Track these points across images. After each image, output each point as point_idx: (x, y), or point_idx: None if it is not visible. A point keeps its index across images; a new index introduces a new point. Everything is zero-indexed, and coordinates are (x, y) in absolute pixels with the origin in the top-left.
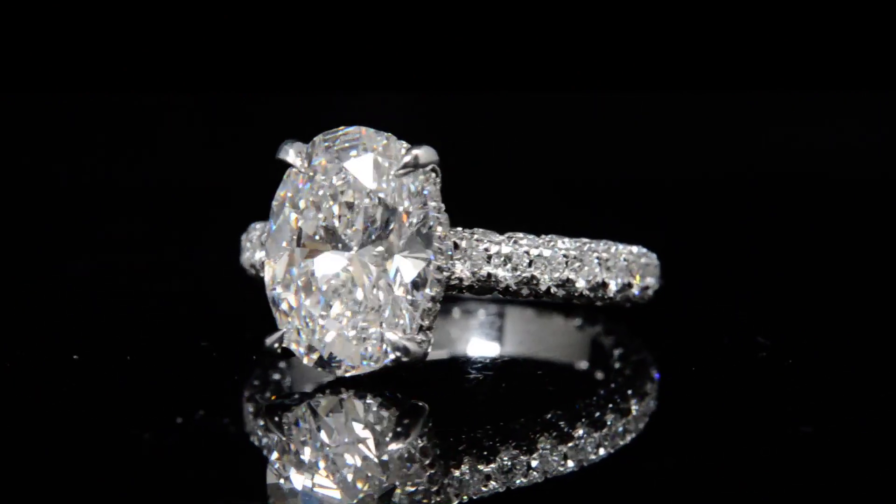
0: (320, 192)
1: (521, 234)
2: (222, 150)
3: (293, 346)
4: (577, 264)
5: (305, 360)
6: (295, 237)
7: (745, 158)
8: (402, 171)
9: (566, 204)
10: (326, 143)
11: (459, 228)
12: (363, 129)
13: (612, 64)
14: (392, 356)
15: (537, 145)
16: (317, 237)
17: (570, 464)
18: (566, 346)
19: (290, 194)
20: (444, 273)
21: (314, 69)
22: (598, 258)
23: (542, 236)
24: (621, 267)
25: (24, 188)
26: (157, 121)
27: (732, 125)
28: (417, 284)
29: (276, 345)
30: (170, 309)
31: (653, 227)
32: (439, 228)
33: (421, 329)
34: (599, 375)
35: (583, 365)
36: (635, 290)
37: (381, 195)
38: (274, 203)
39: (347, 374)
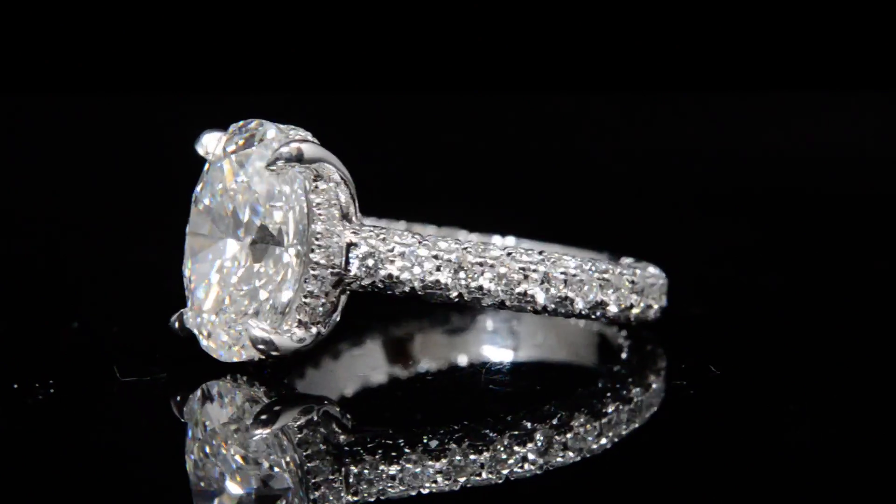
0: (219, 185)
1: (434, 237)
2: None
3: (195, 330)
4: (488, 270)
5: (202, 344)
6: (199, 224)
7: (739, 158)
8: (280, 166)
9: (553, 207)
10: (233, 135)
11: (368, 226)
12: (263, 122)
13: (607, 64)
14: (252, 349)
15: (528, 146)
16: (215, 226)
17: (603, 440)
18: (575, 344)
19: (200, 184)
20: (328, 270)
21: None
22: (522, 268)
23: (470, 238)
24: (558, 279)
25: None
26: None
27: (726, 126)
28: (294, 279)
29: (177, 324)
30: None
31: (643, 230)
32: (319, 225)
33: (301, 324)
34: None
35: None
36: (536, 299)
37: (264, 189)
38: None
39: (232, 360)
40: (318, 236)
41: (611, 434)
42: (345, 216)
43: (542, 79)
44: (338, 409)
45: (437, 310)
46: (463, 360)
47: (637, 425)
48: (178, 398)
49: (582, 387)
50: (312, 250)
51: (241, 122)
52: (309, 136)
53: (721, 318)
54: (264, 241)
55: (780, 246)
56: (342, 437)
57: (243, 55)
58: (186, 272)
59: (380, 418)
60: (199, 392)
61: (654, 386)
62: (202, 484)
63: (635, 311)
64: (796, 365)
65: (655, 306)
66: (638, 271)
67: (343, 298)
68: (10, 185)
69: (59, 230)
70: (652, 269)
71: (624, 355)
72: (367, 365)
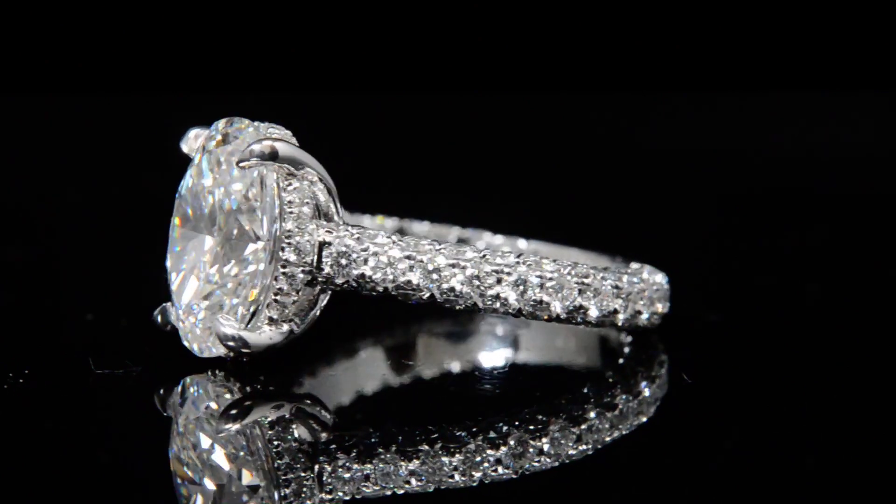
0: (198, 181)
1: (410, 238)
2: None
3: (177, 324)
4: (460, 272)
5: (182, 339)
6: (181, 219)
7: (739, 159)
8: (253, 163)
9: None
10: (212, 134)
11: (347, 226)
12: (242, 120)
13: (607, 64)
14: (223, 345)
15: (530, 147)
16: (194, 222)
17: (582, 447)
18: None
19: (183, 180)
20: (299, 269)
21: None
22: (495, 270)
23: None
24: (533, 282)
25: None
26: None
27: (727, 126)
28: (264, 276)
29: (159, 318)
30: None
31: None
32: (290, 223)
33: (271, 321)
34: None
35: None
36: (501, 299)
37: (238, 186)
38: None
39: (208, 356)
40: (289, 234)
41: (591, 441)
42: (324, 215)
43: (542, 79)
44: (318, 408)
45: (461, 314)
46: (454, 365)
47: (618, 433)
48: (158, 392)
49: (568, 392)
50: (283, 248)
51: (224, 120)
52: (286, 135)
53: (726, 322)
54: (237, 238)
55: (780, 247)
56: (322, 435)
57: (242, 55)
58: (169, 266)
59: (363, 418)
60: (175, 386)
61: (642, 393)
62: (177, 480)
63: (621, 316)
64: (795, 373)
65: (645, 312)
66: (625, 277)
67: (323, 298)
68: (10, 184)
69: (57, 227)
70: (647, 275)
71: (620, 360)
72: (369, 366)
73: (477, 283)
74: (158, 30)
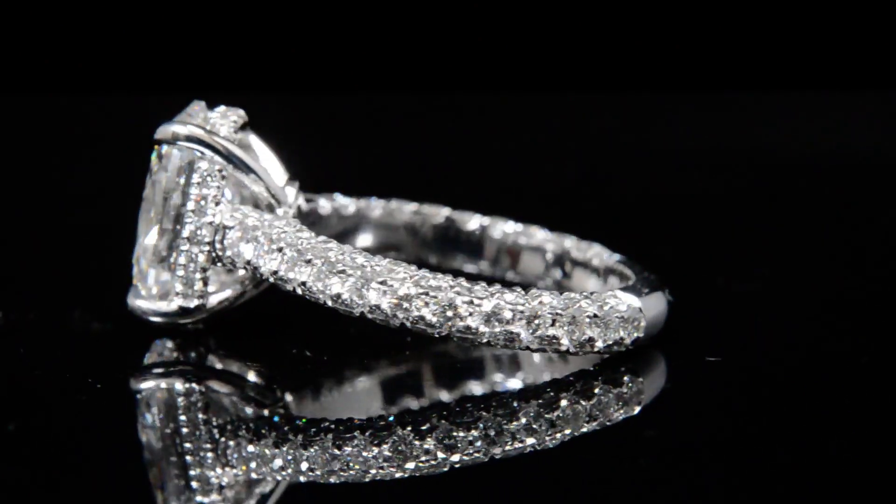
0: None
1: (294, 232)
2: None
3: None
4: (314, 268)
5: None
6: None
7: (738, 159)
8: (165, 142)
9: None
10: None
11: (260, 212)
12: (197, 103)
13: (608, 64)
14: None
15: (532, 147)
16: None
17: (559, 436)
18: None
19: None
20: (197, 248)
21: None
22: (341, 270)
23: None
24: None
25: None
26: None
27: (727, 126)
28: (164, 257)
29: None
30: None
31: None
32: (191, 203)
33: (178, 295)
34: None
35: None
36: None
37: (165, 169)
38: None
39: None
40: (190, 215)
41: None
42: (268, 207)
43: (543, 79)
44: (261, 381)
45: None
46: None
47: (595, 422)
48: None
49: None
50: (182, 227)
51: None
52: (225, 123)
53: (725, 324)
54: (155, 215)
55: (777, 248)
56: (265, 411)
57: (242, 55)
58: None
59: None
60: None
61: (624, 384)
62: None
63: (599, 343)
64: (793, 372)
65: (628, 340)
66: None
67: (252, 284)
68: (9, 184)
69: (57, 225)
70: (617, 302)
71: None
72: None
73: (322, 279)
74: (158, 30)
